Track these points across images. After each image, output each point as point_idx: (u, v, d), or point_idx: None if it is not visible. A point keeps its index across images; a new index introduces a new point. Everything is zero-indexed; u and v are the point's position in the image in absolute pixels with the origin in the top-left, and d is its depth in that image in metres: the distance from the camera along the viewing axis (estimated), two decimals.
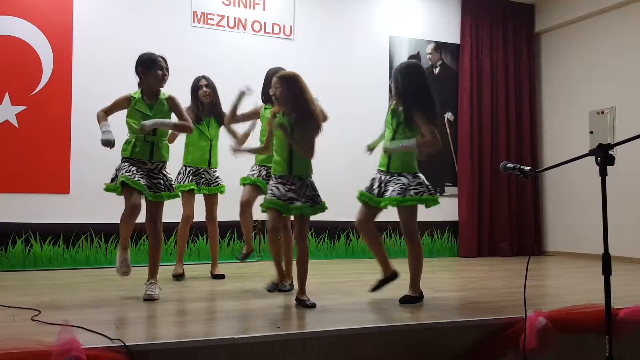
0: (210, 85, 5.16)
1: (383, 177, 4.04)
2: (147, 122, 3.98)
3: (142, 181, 4.00)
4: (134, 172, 4.02)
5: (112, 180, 4.13)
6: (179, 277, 5.05)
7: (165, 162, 4.23)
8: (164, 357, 2.61)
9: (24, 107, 5.82)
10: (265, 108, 4.73)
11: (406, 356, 3.07)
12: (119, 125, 4.14)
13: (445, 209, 7.71)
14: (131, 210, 4.01)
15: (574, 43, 7.79)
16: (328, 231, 6.91)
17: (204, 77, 5.19)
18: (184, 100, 5.42)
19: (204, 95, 5.11)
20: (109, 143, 3.95)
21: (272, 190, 3.83)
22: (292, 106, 3.86)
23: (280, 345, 2.83)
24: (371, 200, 4.01)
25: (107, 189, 4.13)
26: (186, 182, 5.06)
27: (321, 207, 3.87)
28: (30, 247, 5.76)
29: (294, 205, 3.77)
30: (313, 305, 3.71)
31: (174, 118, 4.29)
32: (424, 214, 7.39)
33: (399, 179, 3.98)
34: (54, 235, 5.85)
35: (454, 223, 7.71)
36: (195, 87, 5.15)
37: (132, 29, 6.27)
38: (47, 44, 5.94)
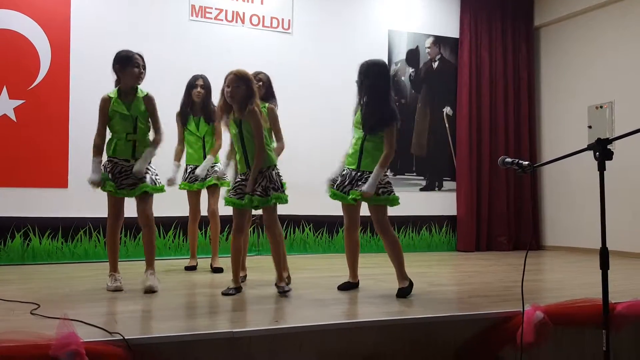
0: (206, 86, 5.24)
1: (353, 173, 4.12)
2: (138, 169, 4.11)
3: (126, 181, 4.13)
4: (117, 176, 4.15)
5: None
6: (190, 268, 5.34)
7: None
8: (162, 351, 2.62)
9: (21, 101, 5.81)
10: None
11: (405, 350, 3.09)
12: None
13: (444, 203, 7.74)
14: (114, 214, 4.20)
15: (573, 37, 7.79)
16: (326, 226, 6.92)
17: (201, 77, 5.27)
18: (177, 94, 5.45)
19: (197, 95, 5.20)
20: (93, 183, 4.10)
21: (235, 189, 3.98)
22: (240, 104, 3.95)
23: (279, 339, 2.84)
24: (343, 199, 4.12)
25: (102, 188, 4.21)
26: (186, 181, 5.28)
27: (269, 199, 3.90)
28: (29, 241, 5.76)
29: (248, 198, 3.87)
30: (287, 290, 3.96)
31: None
32: (422, 208, 7.51)
33: (369, 177, 4.01)
34: (53, 229, 5.85)
35: (452, 217, 7.72)
36: (191, 85, 5.23)
37: (130, 22, 6.25)
38: (45, 37, 5.93)
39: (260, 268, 5.41)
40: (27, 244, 5.76)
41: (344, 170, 4.20)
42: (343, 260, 4.52)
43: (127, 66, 4.17)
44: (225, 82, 3.96)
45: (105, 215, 4.49)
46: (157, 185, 4.27)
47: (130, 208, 4.38)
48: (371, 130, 4.04)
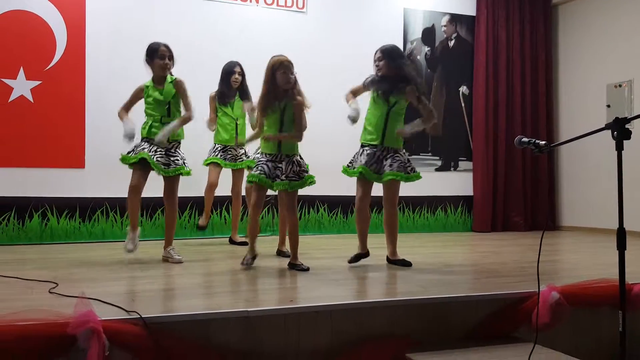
0: (242, 73, 5.62)
1: (377, 152, 4.33)
2: (159, 137, 4.39)
3: (161, 159, 4.42)
4: (154, 150, 4.42)
5: (129, 152, 4.49)
6: (201, 228, 5.79)
7: (180, 141, 4.61)
8: (178, 329, 2.64)
9: (38, 82, 5.84)
10: None
11: (419, 330, 3.09)
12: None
13: (460, 183, 7.70)
14: (132, 190, 4.45)
15: (592, 15, 7.66)
16: (341, 206, 6.92)
17: (238, 64, 5.61)
18: (192, 74, 5.45)
19: (234, 81, 5.56)
20: (129, 135, 4.42)
21: (261, 167, 4.15)
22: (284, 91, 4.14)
23: (293, 318, 2.86)
24: (370, 176, 4.30)
25: (123, 160, 4.50)
26: (213, 156, 5.57)
27: (304, 181, 4.16)
28: (47, 221, 5.83)
29: (277, 182, 4.11)
30: (307, 269, 4.09)
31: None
32: (437, 189, 7.48)
33: (395, 156, 4.32)
34: (70, 209, 5.91)
35: (468, 198, 7.68)
36: (229, 72, 5.59)
37: (145, 3, 6.25)
38: (61, 18, 5.93)
39: (275, 248, 5.44)
40: (45, 224, 5.82)
41: (363, 150, 4.37)
42: (357, 240, 4.54)
43: (154, 58, 4.52)
44: (277, 67, 4.10)
45: (122, 195, 4.62)
46: (187, 168, 4.58)
47: (148, 189, 4.59)
48: (394, 89, 4.26)
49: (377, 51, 4.48)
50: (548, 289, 3.23)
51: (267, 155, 4.20)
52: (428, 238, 6.74)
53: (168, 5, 6.33)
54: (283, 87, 4.11)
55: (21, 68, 5.78)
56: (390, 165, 4.27)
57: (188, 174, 4.60)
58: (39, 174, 5.83)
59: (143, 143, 4.49)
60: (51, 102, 5.86)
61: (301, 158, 4.26)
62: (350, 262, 4.41)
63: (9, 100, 5.74)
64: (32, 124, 5.79)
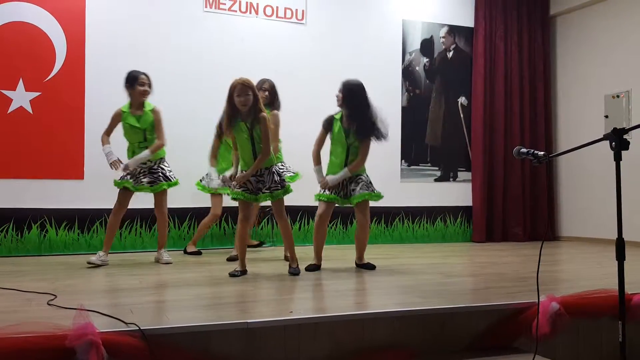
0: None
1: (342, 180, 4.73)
2: (130, 164, 4.95)
3: (145, 180, 5.01)
4: (137, 175, 5.00)
5: (122, 178, 5.01)
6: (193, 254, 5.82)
7: (163, 157, 5.14)
8: (177, 341, 2.63)
9: (38, 93, 5.85)
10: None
11: (419, 341, 3.08)
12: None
13: (459, 194, 7.71)
14: (121, 202, 4.97)
15: (589, 26, 7.70)
16: (340, 217, 6.92)
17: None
18: (192, 85, 5.45)
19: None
20: (113, 164, 4.98)
21: (244, 184, 4.36)
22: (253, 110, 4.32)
23: (293, 329, 2.85)
24: (337, 200, 4.72)
25: (115, 184, 5.03)
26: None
27: (286, 189, 4.43)
28: (45, 232, 5.82)
29: (261, 195, 4.37)
30: (297, 273, 4.41)
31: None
32: (436, 199, 7.49)
33: (359, 178, 4.73)
34: (69, 220, 5.90)
35: (467, 208, 7.69)
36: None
37: (144, 14, 6.27)
38: (60, 29, 5.95)
39: (274, 259, 5.43)
40: (44, 235, 5.81)
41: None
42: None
43: (134, 85, 4.98)
44: (233, 91, 4.24)
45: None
46: (172, 180, 5.13)
47: (145, 202, 5.12)
48: (357, 134, 4.62)
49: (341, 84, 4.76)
50: (548, 299, 3.22)
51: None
52: (427, 248, 6.73)
53: (168, 17, 6.35)
54: (240, 109, 4.24)
55: (20, 79, 5.79)
56: (354, 190, 4.69)
57: (175, 184, 5.15)
58: (37, 185, 5.82)
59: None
60: (50, 113, 5.87)
61: (282, 165, 4.51)
62: (308, 270, 4.63)
63: (8, 112, 5.75)
64: (31, 135, 5.80)
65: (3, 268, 4.81)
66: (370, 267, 4.79)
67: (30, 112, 5.82)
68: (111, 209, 5.08)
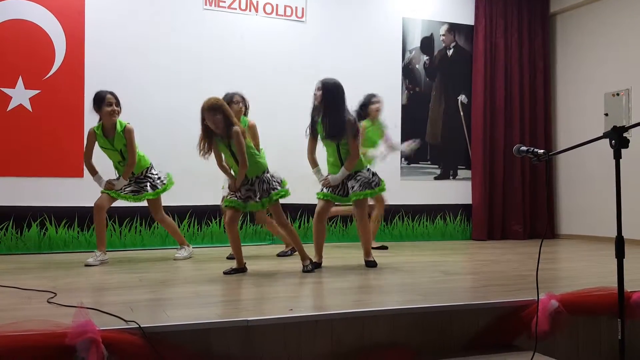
0: (247, 105, 5.44)
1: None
2: (116, 185, 5.03)
3: (129, 189, 5.08)
4: (124, 186, 5.07)
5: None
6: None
7: (148, 167, 5.18)
8: (178, 339, 2.63)
9: (37, 91, 5.84)
10: None
11: (419, 339, 3.09)
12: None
13: (458, 192, 7.71)
14: (96, 209, 4.99)
15: (590, 24, 7.69)
16: (340, 215, 6.91)
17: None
18: (192, 83, 5.42)
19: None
20: (109, 185, 5.03)
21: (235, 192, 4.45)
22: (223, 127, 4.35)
23: (293, 327, 2.85)
24: (335, 199, 4.76)
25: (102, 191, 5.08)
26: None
27: (277, 193, 4.47)
28: (45, 230, 5.82)
29: (250, 203, 4.44)
30: (311, 270, 4.46)
31: None
32: (436, 197, 7.49)
33: (358, 175, 4.72)
34: (69, 218, 5.90)
35: (467, 206, 7.69)
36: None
37: (144, 12, 6.26)
38: (60, 27, 5.95)
39: (274, 257, 5.44)
40: (44, 233, 5.82)
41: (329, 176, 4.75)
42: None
43: (102, 106, 4.92)
44: (202, 116, 4.29)
45: (120, 204, 4.90)
46: (159, 188, 5.17)
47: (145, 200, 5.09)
48: (335, 139, 4.62)
49: (318, 82, 4.71)
50: (547, 297, 3.22)
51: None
52: (427, 246, 6.74)
53: (168, 15, 6.35)
54: (214, 130, 4.30)
55: (20, 77, 5.78)
56: (353, 187, 4.69)
57: (160, 193, 5.17)
58: (37, 183, 5.82)
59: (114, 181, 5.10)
60: (50, 111, 5.86)
61: (272, 176, 4.51)
62: (307, 271, 4.54)
63: (8, 109, 5.75)
64: (31, 133, 5.80)
65: (3, 266, 4.81)
66: (372, 264, 4.79)
67: (30, 110, 5.82)
68: (110, 207, 5.10)
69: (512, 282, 4.10)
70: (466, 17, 7.81)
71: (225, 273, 4.38)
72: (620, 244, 2.42)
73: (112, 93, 4.97)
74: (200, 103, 6.11)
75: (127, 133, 4.99)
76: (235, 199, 4.44)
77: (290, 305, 3.15)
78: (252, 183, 4.44)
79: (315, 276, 4.30)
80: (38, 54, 5.86)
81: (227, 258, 5.27)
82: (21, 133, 5.77)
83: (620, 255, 2.42)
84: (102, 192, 5.06)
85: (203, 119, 4.30)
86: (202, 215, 6.29)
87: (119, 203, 5.23)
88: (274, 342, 2.81)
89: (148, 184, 5.13)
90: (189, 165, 5.73)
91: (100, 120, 5.01)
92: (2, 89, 5.73)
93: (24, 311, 2.99)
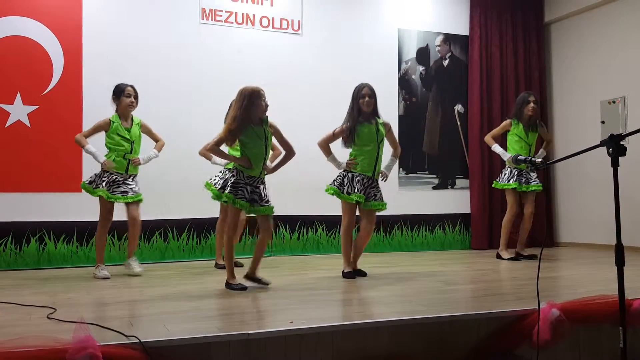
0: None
1: (365, 180, 4.80)
2: (143, 161, 5.17)
3: (118, 190, 5.01)
4: (112, 184, 5.01)
5: (90, 182, 5.06)
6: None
7: (136, 174, 5.18)
8: (178, 353, 2.63)
9: (35, 107, 5.85)
10: None
11: (421, 350, 3.08)
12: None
13: (457, 201, 7.71)
14: (106, 216, 5.05)
15: (585, 33, 7.73)
16: (339, 226, 6.87)
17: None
18: (189, 97, 5.44)
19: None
20: (105, 164, 5.01)
21: (241, 191, 4.18)
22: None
23: (294, 340, 2.84)
24: (364, 204, 4.76)
25: (83, 187, 5.10)
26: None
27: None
28: (44, 245, 5.81)
29: (262, 207, 4.23)
30: (238, 288, 4.17)
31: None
32: (435, 207, 7.49)
33: (377, 186, 4.87)
34: (68, 233, 5.89)
35: (465, 215, 7.69)
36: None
37: (141, 26, 6.29)
38: (57, 43, 5.97)
39: (274, 269, 5.43)
40: (43, 249, 5.80)
41: (355, 176, 4.77)
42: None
43: (121, 97, 5.09)
44: (259, 97, 4.23)
45: (119, 219, 4.76)
46: (139, 194, 5.16)
47: (143, 214, 5.06)
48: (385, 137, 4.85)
49: (364, 87, 4.81)
50: (548, 306, 3.22)
51: (247, 178, 4.23)
52: (427, 256, 6.73)
53: (165, 29, 6.37)
54: (260, 116, 4.24)
55: (18, 93, 5.80)
56: (375, 195, 4.80)
57: (140, 198, 5.14)
58: (36, 198, 5.82)
59: (104, 174, 5.05)
60: (48, 126, 5.87)
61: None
62: (348, 277, 4.70)
63: (6, 125, 5.76)
64: (29, 149, 5.80)
65: (2, 282, 4.80)
66: (363, 274, 4.87)
67: (28, 125, 5.83)
68: None
69: (513, 291, 4.10)
70: (461, 27, 7.85)
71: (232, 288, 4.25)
72: (620, 251, 2.42)
73: (132, 86, 5.13)
74: (199, 115, 6.16)
75: (145, 126, 5.26)
76: (243, 199, 4.17)
77: (291, 318, 3.14)
78: (258, 184, 4.25)
79: (313, 288, 4.29)
80: (36, 70, 5.88)
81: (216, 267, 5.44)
82: (20, 149, 5.78)
83: (620, 262, 2.42)
84: (99, 197, 5.03)
85: (250, 103, 4.17)
86: (201, 227, 6.28)
87: (118, 217, 5.22)
88: (275, 355, 2.80)
89: (135, 186, 5.14)
90: (188, 177, 5.74)
91: (116, 111, 5.13)
92: (1, 105, 5.74)
93: (24, 327, 2.98)
